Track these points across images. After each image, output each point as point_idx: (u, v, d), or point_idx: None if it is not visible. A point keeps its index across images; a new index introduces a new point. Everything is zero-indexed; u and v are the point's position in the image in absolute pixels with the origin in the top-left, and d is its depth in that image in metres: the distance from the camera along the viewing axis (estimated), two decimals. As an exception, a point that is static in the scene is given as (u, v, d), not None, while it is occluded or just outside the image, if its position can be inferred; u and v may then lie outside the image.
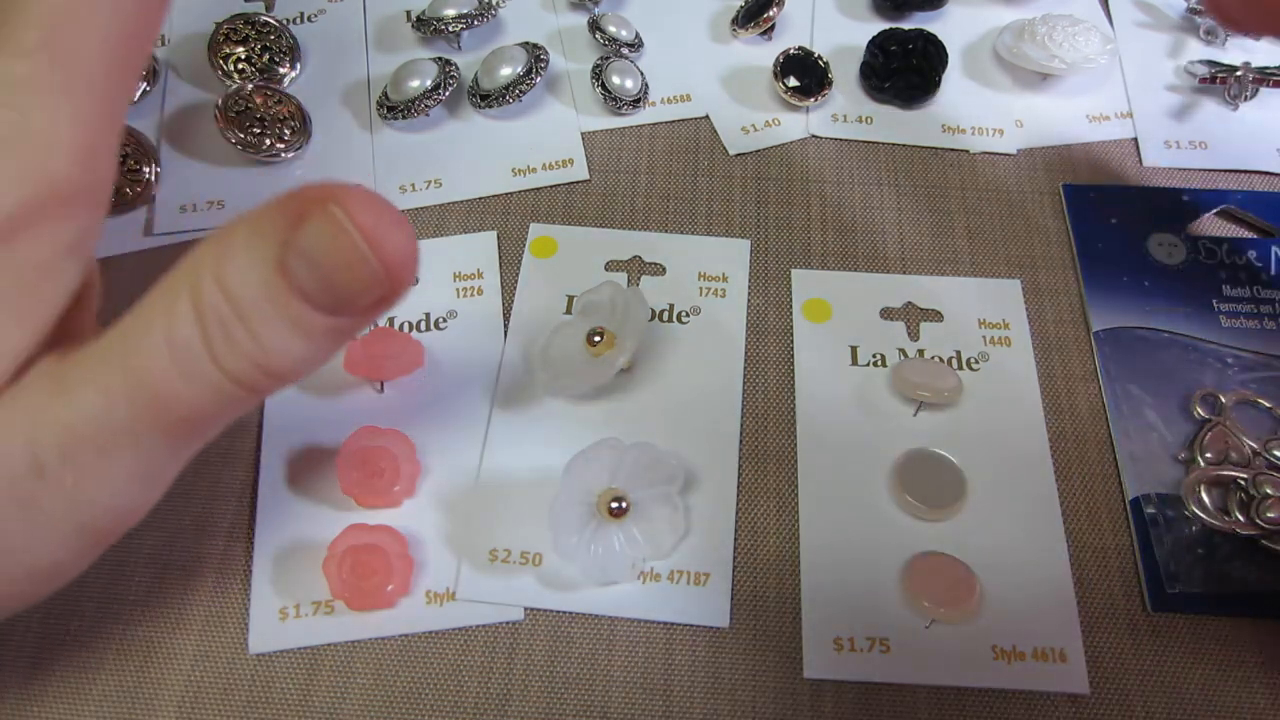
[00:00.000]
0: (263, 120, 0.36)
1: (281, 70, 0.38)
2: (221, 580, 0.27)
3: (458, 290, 0.34)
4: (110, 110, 0.22)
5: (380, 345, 0.31)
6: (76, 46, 0.20)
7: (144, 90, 0.38)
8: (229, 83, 0.37)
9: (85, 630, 0.25)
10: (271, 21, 0.39)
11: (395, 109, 0.37)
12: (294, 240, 0.19)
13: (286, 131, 0.36)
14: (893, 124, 0.38)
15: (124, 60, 0.22)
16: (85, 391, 0.20)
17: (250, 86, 0.36)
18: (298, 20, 0.41)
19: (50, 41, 0.20)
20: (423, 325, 0.33)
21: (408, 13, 0.40)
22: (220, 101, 0.36)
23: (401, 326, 0.33)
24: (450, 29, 0.38)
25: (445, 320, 0.33)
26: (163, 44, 0.40)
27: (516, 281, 0.34)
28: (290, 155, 0.36)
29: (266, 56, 0.38)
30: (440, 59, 0.38)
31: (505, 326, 0.33)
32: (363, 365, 0.31)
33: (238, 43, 0.38)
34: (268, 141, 0.36)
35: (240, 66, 0.38)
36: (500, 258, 0.34)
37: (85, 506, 0.21)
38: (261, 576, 0.28)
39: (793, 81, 0.38)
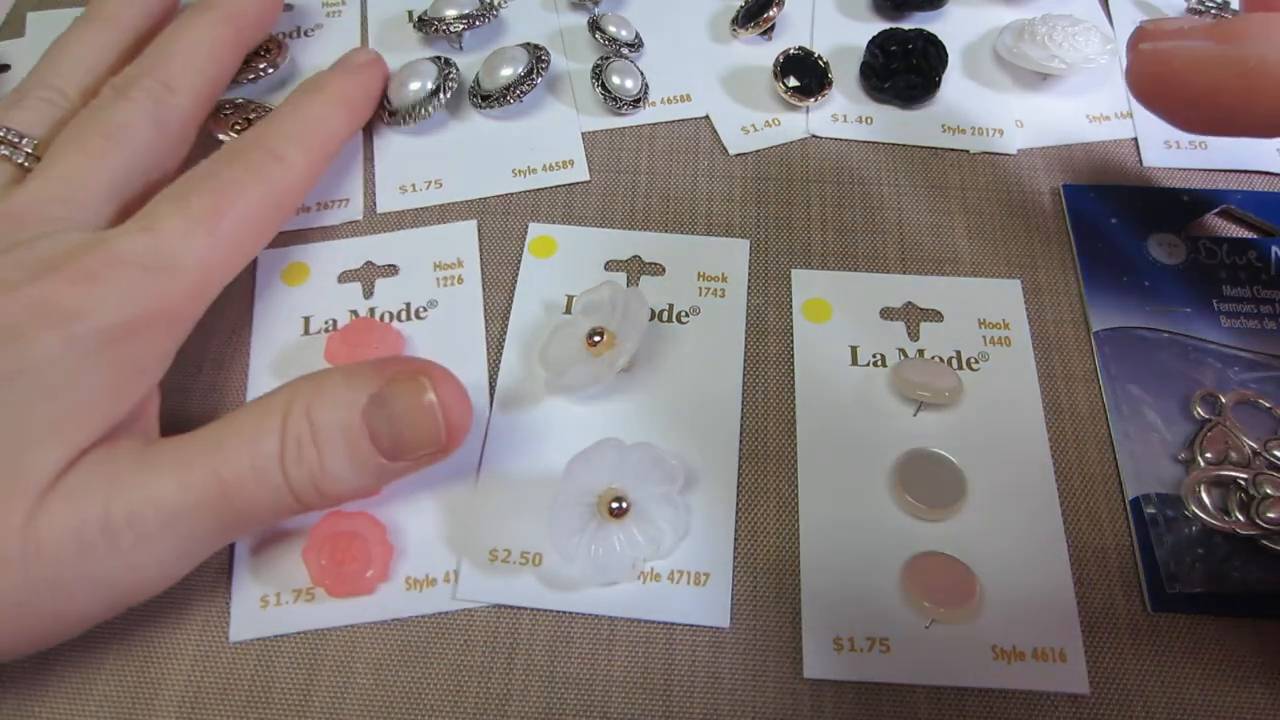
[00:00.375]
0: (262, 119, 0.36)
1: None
2: (200, 573, 0.27)
3: (438, 280, 0.34)
4: (232, 265, 0.28)
5: (360, 335, 0.31)
6: (224, 225, 0.27)
7: None
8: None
9: (85, 630, 0.25)
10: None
11: (396, 113, 0.37)
12: (381, 393, 0.25)
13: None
14: (893, 124, 0.38)
15: (259, 232, 0.29)
16: (166, 471, 0.24)
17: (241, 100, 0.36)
18: (295, 35, 0.41)
19: (208, 218, 0.27)
20: (403, 315, 0.33)
21: (409, 13, 0.41)
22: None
23: (382, 316, 0.33)
24: (452, 29, 0.38)
25: (425, 310, 0.33)
26: None
27: (516, 281, 0.34)
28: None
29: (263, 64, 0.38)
30: (441, 59, 0.38)
31: (485, 315, 0.33)
32: (342, 355, 0.31)
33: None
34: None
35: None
36: (482, 247, 0.34)
37: (129, 570, 0.24)
38: (241, 565, 0.28)
39: (793, 81, 0.38)
